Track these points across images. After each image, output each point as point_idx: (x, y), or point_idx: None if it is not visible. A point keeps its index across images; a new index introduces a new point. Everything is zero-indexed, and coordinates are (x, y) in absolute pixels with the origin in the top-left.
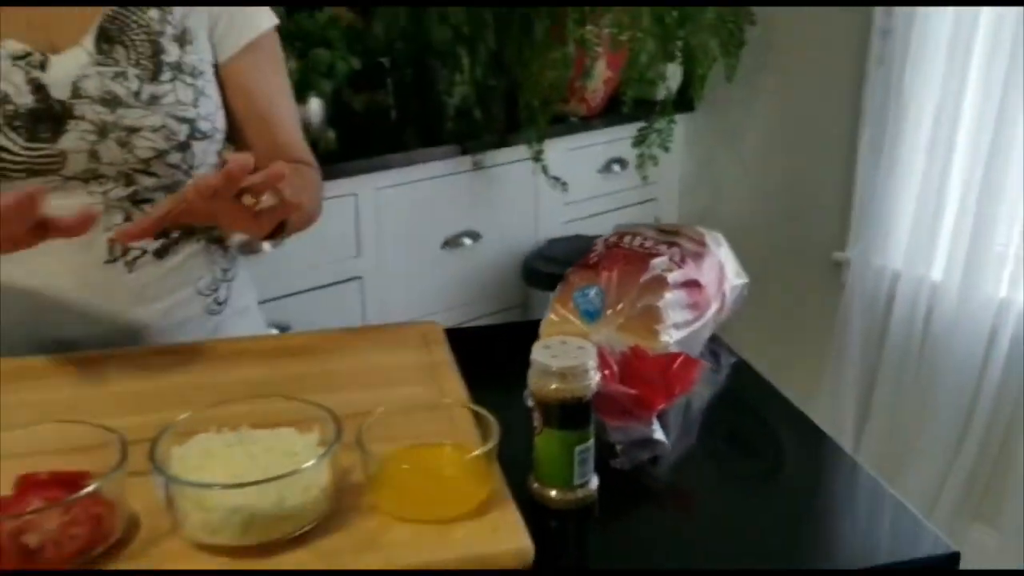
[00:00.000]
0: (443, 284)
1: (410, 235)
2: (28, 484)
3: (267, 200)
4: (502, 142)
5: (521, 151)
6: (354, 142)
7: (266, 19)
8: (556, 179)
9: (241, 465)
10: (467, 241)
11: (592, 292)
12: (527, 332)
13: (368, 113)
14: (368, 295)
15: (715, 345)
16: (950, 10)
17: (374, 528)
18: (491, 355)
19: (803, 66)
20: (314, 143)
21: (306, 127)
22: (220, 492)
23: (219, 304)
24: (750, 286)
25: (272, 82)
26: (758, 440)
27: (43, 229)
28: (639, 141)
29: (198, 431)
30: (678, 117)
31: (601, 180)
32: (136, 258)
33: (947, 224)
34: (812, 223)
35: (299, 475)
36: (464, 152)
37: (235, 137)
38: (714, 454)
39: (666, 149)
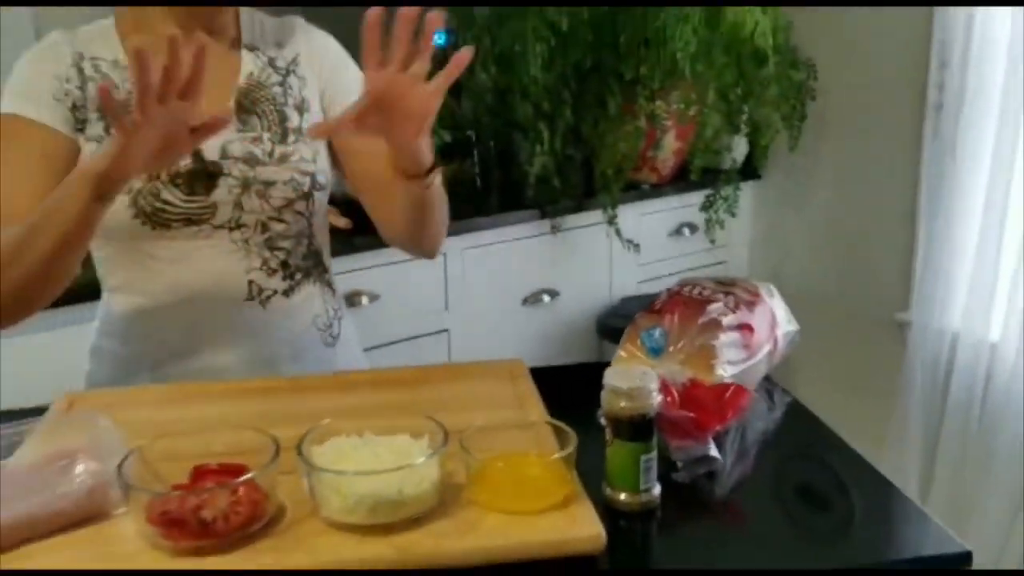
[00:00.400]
0: (523, 338)
1: (493, 292)
2: (201, 473)
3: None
4: (579, 207)
5: (596, 216)
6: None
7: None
8: (629, 242)
9: (368, 462)
10: (546, 298)
11: (657, 332)
12: (599, 370)
13: (456, 181)
14: (454, 347)
15: (770, 385)
16: (998, 85)
17: (474, 517)
18: (567, 388)
19: (862, 137)
20: None
21: None
22: (354, 478)
23: (333, 338)
24: (817, 345)
25: None
26: (806, 466)
27: (196, 132)
28: (707, 206)
29: (331, 437)
30: (746, 184)
31: (672, 243)
32: (269, 297)
33: (1003, 286)
34: (876, 285)
35: (414, 469)
36: (543, 216)
37: (356, 186)
38: (765, 477)
39: (732, 214)
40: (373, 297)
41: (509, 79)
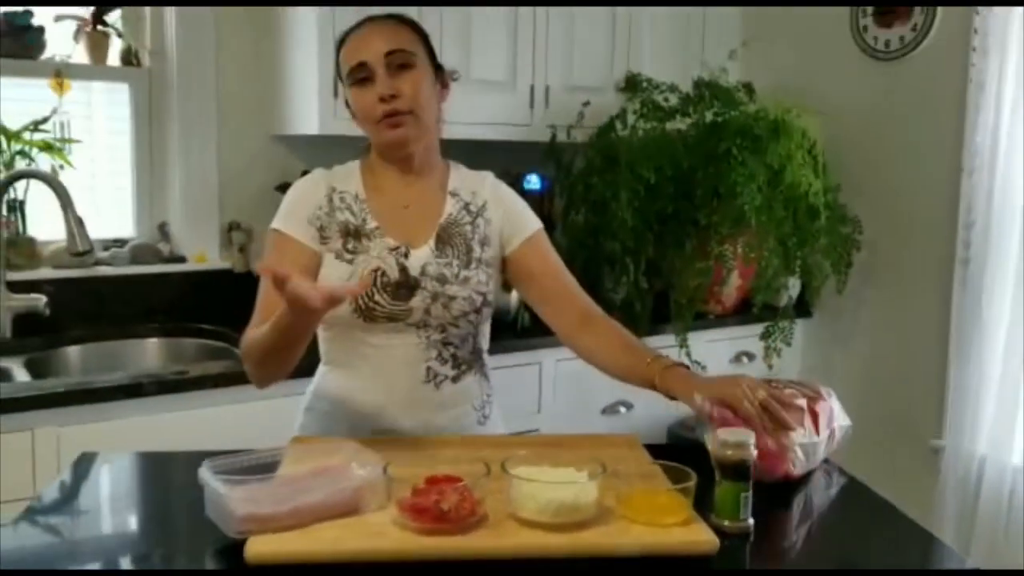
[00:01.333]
0: None
1: (578, 400)
2: (433, 480)
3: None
4: (655, 331)
5: (670, 339)
6: (541, 323)
7: (535, 221)
8: (697, 363)
9: (551, 479)
10: (622, 409)
11: None
12: (682, 450)
13: None
14: None
15: (829, 467)
16: (1016, 243)
17: (624, 526)
18: (669, 456)
19: (901, 284)
20: (513, 322)
21: (506, 311)
22: (544, 486)
23: (484, 417)
24: (860, 467)
25: (554, 257)
26: (855, 517)
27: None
28: (766, 336)
29: (520, 465)
30: (798, 321)
31: (732, 368)
32: (441, 381)
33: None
34: (913, 415)
35: (584, 484)
36: None
37: (532, 299)
38: (827, 525)
39: (788, 344)
40: None
41: (600, 220)
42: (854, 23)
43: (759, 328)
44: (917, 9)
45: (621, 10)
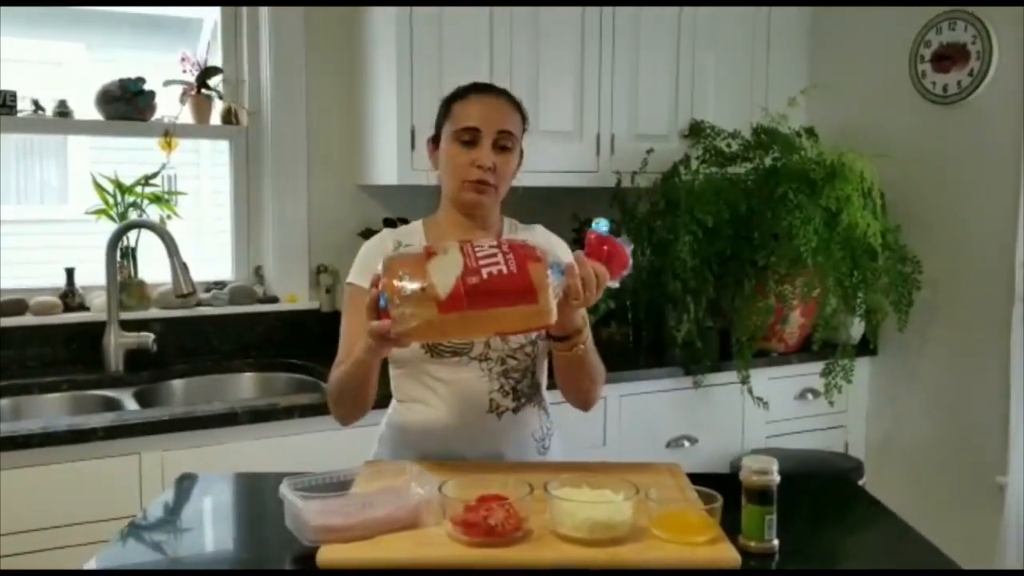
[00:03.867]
0: None
1: (642, 434)
2: (484, 499)
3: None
4: (716, 368)
5: (732, 376)
6: (605, 361)
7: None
8: (759, 399)
9: (589, 499)
10: (686, 443)
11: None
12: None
13: (614, 341)
14: None
15: (861, 494)
16: None
17: (656, 543)
18: (711, 484)
19: (962, 321)
20: None
21: None
22: (581, 505)
23: (544, 448)
24: (925, 502)
25: None
26: (879, 545)
27: None
28: (826, 373)
29: (563, 486)
30: (864, 359)
31: (797, 405)
32: (502, 412)
33: None
34: (977, 450)
35: (618, 504)
36: (687, 373)
37: None
38: (851, 549)
39: (848, 381)
40: None
41: (663, 261)
42: (913, 69)
43: (821, 366)
44: (973, 55)
45: (684, 59)
